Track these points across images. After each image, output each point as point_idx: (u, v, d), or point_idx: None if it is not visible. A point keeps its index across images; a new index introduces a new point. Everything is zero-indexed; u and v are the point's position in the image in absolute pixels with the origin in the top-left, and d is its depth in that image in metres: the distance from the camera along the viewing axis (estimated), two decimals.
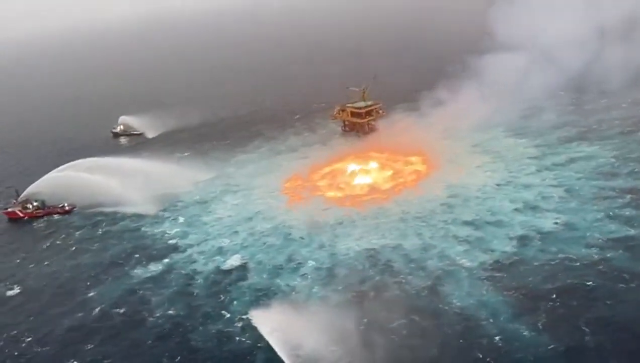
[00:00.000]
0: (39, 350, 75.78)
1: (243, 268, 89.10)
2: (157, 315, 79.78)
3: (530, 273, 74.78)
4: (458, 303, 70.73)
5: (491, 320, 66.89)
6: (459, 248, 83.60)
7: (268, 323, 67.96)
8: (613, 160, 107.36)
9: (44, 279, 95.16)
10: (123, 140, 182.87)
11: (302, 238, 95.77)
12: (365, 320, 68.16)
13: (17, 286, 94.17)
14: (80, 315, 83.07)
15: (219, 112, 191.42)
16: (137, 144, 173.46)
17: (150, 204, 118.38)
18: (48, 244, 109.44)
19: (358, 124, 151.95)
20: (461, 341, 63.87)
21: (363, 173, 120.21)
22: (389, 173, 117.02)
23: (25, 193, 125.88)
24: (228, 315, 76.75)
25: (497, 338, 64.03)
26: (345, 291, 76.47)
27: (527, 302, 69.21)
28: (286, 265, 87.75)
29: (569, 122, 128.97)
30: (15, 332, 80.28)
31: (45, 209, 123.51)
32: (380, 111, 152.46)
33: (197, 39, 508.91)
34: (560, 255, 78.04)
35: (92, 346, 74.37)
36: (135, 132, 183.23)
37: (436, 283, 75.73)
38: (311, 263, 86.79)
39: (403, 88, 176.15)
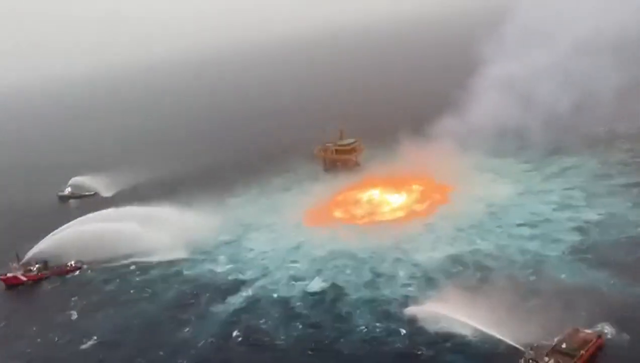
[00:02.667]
0: None
1: (333, 288, 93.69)
2: (283, 337, 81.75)
3: (611, 251, 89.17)
4: (570, 281, 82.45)
5: (609, 288, 79.26)
6: (533, 243, 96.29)
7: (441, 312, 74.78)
8: (600, 165, 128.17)
9: (113, 330, 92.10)
10: (73, 203, 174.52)
11: (371, 257, 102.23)
12: (504, 304, 76.30)
13: (88, 341, 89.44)
14: (193, 352, 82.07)
15: (178, 166, 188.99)
16: (91, 204, 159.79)
17: (176, 249, 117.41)
18: (84, 301, 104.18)
19: (343, 160, 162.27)
20: (597, 309, 74.91)
21: (383, 198, 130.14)
22: (414, 195, 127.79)
23: (28, 255, 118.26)
24: (362, 321, 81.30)
25: (622, 300, 76.08)
26: (458, 288, 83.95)
27: (626, 270, 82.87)
28: (377, 279, 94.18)
29: (539, 141, 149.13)
30: None
31: (52, 270, 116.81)
32: (362, 147, 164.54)
33: (144, 94, 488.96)
34: (622, 236, 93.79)
35: None
36: (86, 194, 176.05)
37: (538, 270, 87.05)
38: (402, 273, 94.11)
39: (374, 126, 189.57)
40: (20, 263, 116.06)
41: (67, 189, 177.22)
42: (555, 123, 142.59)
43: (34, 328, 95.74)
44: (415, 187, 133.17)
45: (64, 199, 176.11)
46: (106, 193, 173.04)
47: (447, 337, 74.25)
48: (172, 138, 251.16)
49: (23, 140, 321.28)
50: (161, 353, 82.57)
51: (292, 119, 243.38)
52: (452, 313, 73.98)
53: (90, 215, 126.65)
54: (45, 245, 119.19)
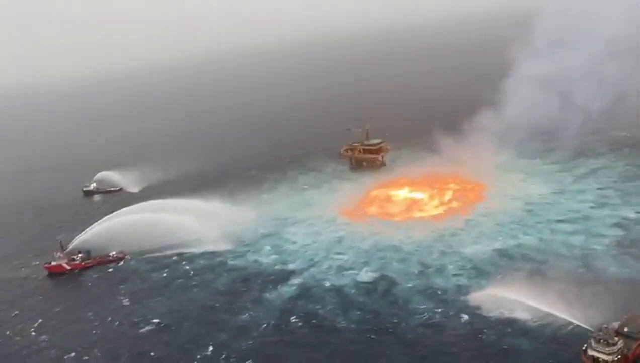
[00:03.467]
0: None
1: (384, 278, 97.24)
2: (344, 322, 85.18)
3: None
4: (619, 272, 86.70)
5: None
6: (576, 238, 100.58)
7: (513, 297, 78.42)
8: (628, 167, 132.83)
9: (169, 315, 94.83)
10: (97, 197, 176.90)
11: (416, 250, 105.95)
12: (564, 290, 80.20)
13: (146, 325, 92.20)
14: (255, 334, 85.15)
15: (204, 164, 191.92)
16: (116, 199, 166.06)
17: (218, 241, 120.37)
18: (134, 289, 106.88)
19: (370, 159, 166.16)
20: None
21: (418, 196, 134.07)
22: (449, 193, 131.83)
23: (74, 244, 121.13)
24: (420, 308, 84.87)
25: None
26: (513, 277, 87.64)
27: None
28: (426, 270, 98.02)
29: (565, 144, 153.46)
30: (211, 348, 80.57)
31: (95, 260, 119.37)
32: (389, 147, 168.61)
33: (170, 93, 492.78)
34: None
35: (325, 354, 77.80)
36: (111, 189, 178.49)
37: (587, 263, 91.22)
38: (450, 266, 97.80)
39: (399, 127, 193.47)
40: (65, 252, 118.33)
41: (92, 184, 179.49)
42: (582, 126, 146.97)
43: (90, 314, 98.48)
44: (450, 185, 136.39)
45: (88, 194, 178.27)
46: (132, 188, 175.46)
47: (508, 321, 78.04)
48: (197, 137, 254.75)
49: (49, 138, 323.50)
50: (224, 336, 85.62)
51: (315, 119, 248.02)
52: (518, 297, 77.62)
53: (131, 207, 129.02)
54: (89, 235, 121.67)
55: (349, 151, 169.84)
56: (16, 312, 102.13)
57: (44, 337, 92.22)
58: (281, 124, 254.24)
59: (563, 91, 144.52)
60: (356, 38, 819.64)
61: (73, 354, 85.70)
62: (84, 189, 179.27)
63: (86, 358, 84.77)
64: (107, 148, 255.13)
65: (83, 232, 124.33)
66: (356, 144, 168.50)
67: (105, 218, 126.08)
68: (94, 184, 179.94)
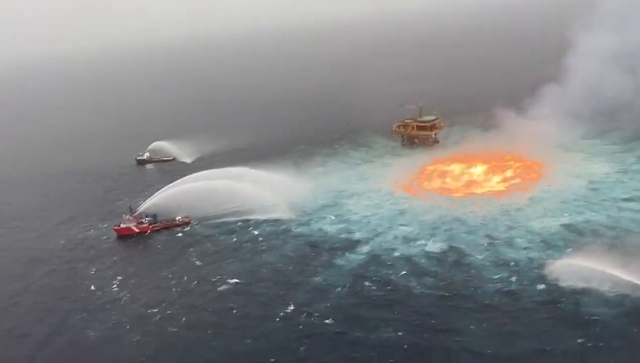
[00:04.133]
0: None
1: (453, 249, 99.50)
2: (418, 288, 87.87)
3: None
4: None
5: None
6: None
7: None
8: None
9: (243, 276, 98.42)
10: (150, 166, 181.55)
11: (483, 224, 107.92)
12: None
13: (223, 285, 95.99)
14: (332, 296, 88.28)
15: (255, 137, 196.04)
16: (168, 169, 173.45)
17: (278, 210, 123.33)
18: (204, 251, 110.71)
19: (422, 136, 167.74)
20: None
21: (476, 172, 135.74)
22: (510, 170, 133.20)
23: (142, 208, 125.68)
24: (494, 277, 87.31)
25: None
26: (585, 251, 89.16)
27: None
28: (495, 242, 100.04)
29: (624, 125, 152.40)
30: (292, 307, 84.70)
31: (162, 224, 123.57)
32: (442, 125, 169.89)
33: (225, 67, 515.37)
34: None
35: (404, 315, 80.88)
36: (164, 158, 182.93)
37: None
38: (519, 240, 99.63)
39: (453, 104, 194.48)
40: (133, 215, 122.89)
41: (145, 153, 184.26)
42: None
43: (165, 273, 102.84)
44: (508, 163, 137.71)
45: (141, 163, 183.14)
46: (185, 158, 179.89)
47: (586, 291, 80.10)
48: (246, 111, 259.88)
49: (103, 108, 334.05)
50: (302, 296, 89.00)
51: (364, 97, 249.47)
52: (597, 266, 79.50)
53: (196, 174, 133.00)
54: (155, 200, 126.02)
55: (401, 127, 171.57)
56: (95, 269, 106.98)
57: (124, 292, 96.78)
58: (329, 101, 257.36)
59: (628, 68, 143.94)
60: (420, 14, 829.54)
61: (156, 309, 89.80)
62: (138, 158, 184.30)
63: (169, 312, 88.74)
64: (161, 119, 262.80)
65: (151, 197, 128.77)
66: (409, 121, 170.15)
67: (170, 184, 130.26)
68: (147, 153, 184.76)
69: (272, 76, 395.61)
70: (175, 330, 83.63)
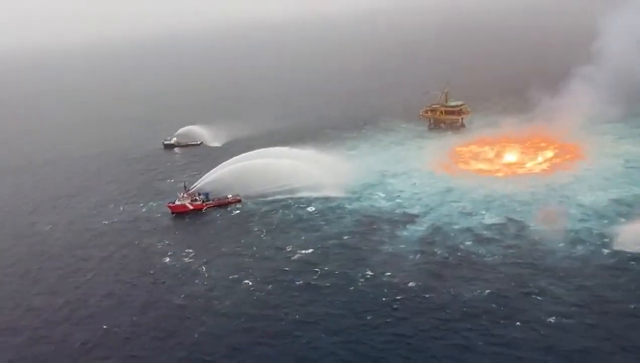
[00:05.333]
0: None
1: (511, 221, 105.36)
2: (489, 256, 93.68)
3: None
4: None
5: None
6: None
7: None
8: None
9: (312, 246, 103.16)
10: (177, 151, 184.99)
11: (533, 199, 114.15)
12: None
13: (295, 255, 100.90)
14: (406, 264, 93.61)
15: (282, 122, 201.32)
16: (195, 153, 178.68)
17: (331, 188, 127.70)
18: (265, 225, 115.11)
19: (450, 120, 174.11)
20: None
21: (511, 153, 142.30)
22: (546, 152, 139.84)
23: (196, 186, 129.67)
24: (559, 245, 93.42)
25: None
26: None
27: None
28: None
29: None
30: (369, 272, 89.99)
31: (215, 201, 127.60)
32: (469, 110, 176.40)
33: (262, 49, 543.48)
34: None
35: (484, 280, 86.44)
36: (192, 143, 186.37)
37: None
38: (573, 211, 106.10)
39: (478, 90, 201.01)
40: (188, 192, 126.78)
41: (173, 138, 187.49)
42: None
43: (233, 245, 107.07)
44: (541, 145, 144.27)
45: (169, 147, 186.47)
46: (214, 142, 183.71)
47: None
48: (275, 95, 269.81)
49: (130, 93, 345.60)
50: (377, 263, 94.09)
51: (385, 83, 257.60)
52: None
53: (243, 155, 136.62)
54: (209, 179, 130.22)
55: (429, 112, 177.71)
56: (161, 244, 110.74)
57: (199, 263, 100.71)
58: (350, 88, 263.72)
59: None
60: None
61: (237, 275, 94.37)
62: (165, 142, 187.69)
63: (247, 282, 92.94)
64: (188, 104, 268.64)
65: (203, 177, 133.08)
66: (436, 106, 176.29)
67: (221, 164, 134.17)
68: (175, 138, 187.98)
69: (294, 63, 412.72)
70: (263, 294, 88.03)
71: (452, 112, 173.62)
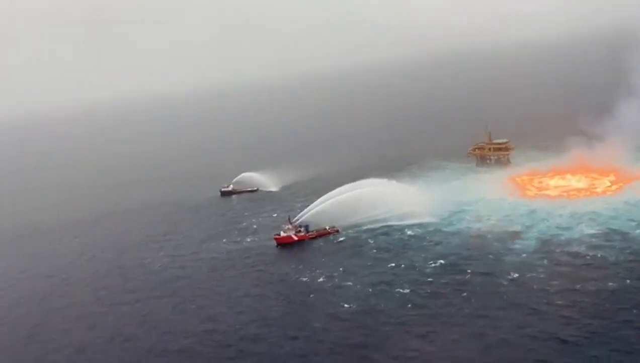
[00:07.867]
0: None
1: (612, 231, 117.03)
2: (613, 257, 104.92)
3: None
4: None
5: None
6: None
7: None
8: None
9: (440, 259, 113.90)
10: (234, 198, 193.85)
11: (618, 214, 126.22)
12: None
13: (429, 268, 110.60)
14: (538, 265, 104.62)
15: (335, 165, 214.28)
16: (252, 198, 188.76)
17: (421, 215, 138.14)
18: (369, 251, 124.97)
19: (498, 156, 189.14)
20: None
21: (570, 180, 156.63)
22: (609, 177, 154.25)
23: (300, 219, 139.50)
24: None
25: None
26: None
27: None
28: None
29: None
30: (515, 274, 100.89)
31: (316, 232, 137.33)
32: (513, 146, 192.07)
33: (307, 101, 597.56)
34: None
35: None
36: (248, 189, 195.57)
37: None
38: None
39: (517, 129, 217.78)
40: (293, 225, 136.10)
41: (230, 185, 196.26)
42: None
43: (359, 262, 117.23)
44: (592, 175, 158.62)
45: (225, 194, 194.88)
46: (272, 187, 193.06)
47: None
48: (329, 140, 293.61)
49: (188, 142, 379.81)
50: (509, 269, 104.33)
51: (422, 126, 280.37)
52: None
53: (338, 189, 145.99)
54: (311, 213, 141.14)
55: (476, 150, 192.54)
56: (287, 269, 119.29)
57: (335, 281, 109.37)
58: (384, 133, 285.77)
59: None
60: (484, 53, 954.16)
61: (380, 288, 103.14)
62: (222, 190, 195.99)
63: (399, 289, 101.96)
64: (245, 153, 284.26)
65: (304, 211, 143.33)
66: (482, 144, 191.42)
67: (320, 199, 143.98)
68: (232, 185, 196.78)
69: (337, 112, 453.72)
70: (421, 300, 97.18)
71: (500, 149, 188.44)
